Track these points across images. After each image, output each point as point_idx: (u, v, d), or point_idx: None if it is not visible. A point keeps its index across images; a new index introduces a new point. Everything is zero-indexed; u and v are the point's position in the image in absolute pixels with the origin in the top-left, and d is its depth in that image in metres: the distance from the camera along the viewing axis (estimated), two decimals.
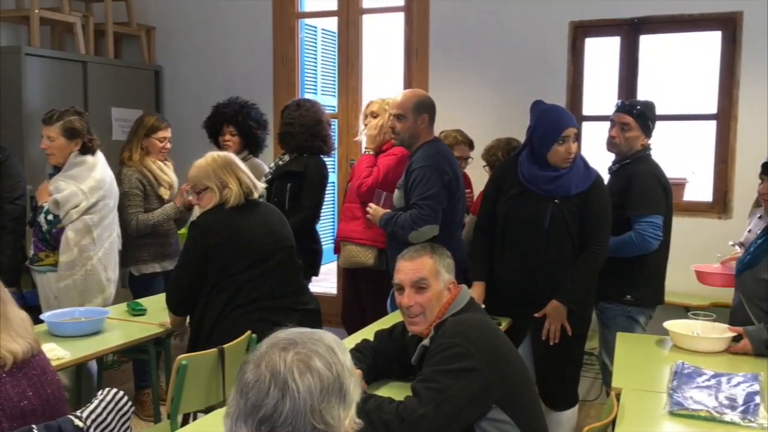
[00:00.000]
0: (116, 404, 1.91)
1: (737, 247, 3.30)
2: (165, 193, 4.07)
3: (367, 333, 2.75)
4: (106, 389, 1.94)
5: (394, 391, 2.26)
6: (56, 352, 2.67)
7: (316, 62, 7.63)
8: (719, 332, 2.81)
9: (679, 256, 3.64)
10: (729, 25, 4.13)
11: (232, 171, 3.01)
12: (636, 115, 3.36)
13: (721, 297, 3.67)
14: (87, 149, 3.62)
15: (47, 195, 3.57)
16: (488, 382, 2.03)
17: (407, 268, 2.28)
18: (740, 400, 2.17)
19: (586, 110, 4.51)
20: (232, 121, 4.30)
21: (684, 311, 3.63)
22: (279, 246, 3.08)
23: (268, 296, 3.00)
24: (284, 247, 3.10)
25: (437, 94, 4.33)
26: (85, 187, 3.55)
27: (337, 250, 4.11)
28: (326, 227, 6.92)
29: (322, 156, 4.08)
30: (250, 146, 4.39)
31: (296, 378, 1.14)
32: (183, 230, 4.20)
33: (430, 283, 2.24)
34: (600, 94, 4.57)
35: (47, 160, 3.68)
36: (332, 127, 4.30)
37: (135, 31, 5.42)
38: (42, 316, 3.07)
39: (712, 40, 4.26)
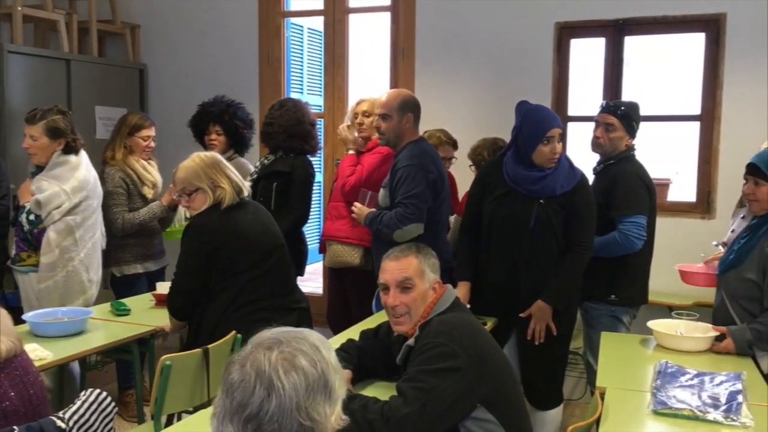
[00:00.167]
0: (99, 405, 1.90)
1: (720, 247, 3.33)
2: (148, 192, 4.04)
3: (353, 333, 2.75)
4: (89, 390, 1.92)
5: (380, 391, 2.26)
6: (38, 353, 2.64)
7: (302, 61, 7.62)
8: (702, 332, 2.83)
9: (663, 256, 3.67)
10: (712, 27, 4.16)
11: (221, 170, 2.99)
12: (620, 116, 3.38)
13: (705, 296, 3.70)
14: (70, 149, 3.58)
15: (29, 194, 3.53)
16: (473, 381, 2.03)
17: (392, 267, 2.27)
18: (723, 399, 2.19)
19: (572, 111, 4.53)
20: (218, 121, 4.29)
21: (668, 311, 3.66)
22: (275, 245, 3.08)
23: (268, 296, 3.00)
24: (279, 245, 3.11)
25: (423, 94, 4.34)
26: (67, 187, 3.51)
27: (322, 249, 4.10)
28: (312, 227, 6.91)
29: (308, 156, 4.07)
30: (236, 146, 4.38)
31: (281, 376, 1.15)
32: (171, 228, 4.17)
33: (415, 282, 2.24)
34: (585, 94, 4.60)
35: (29, 159, 3.64)
36: (318, 126, 4.28)
37: (119, 29, 5.38)
38: (24, 317, 3.04)
39: (696, 42, 4.29)
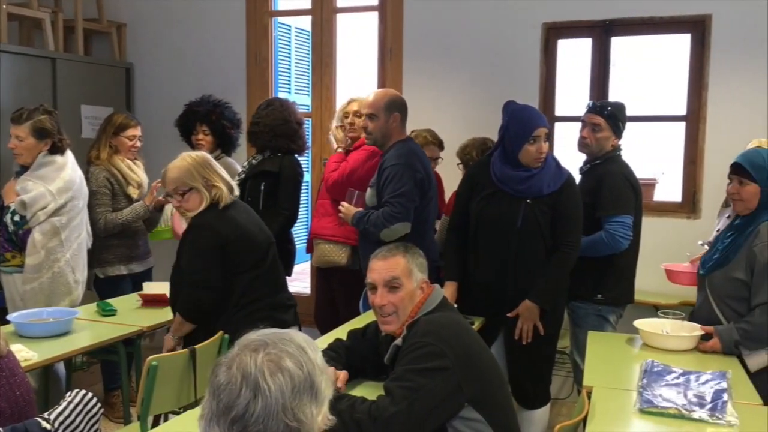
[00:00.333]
0: (85, 406, 1.89)
1: (706, 247, 3.35)
2: (134, 192, 4.02)
3: (341, 333, 2.75)
4: (75, 391, 1.91)
5: (367, 391, 2.26)
6: (23, 354, 2.62)
7: (290, 61, 7.60)
8: (688, 330, 2.85)
9: (649, 256, 3.69)
10: (698, 28, 4.19)
11: (214, 169, 2.99)
12: (606, 116, 3.39)
13: (690, 296, 3.71)
14: (56, 149, 3.55)
15: (14, 194, 3.50)
16: (461, 381, 2.03)
17: (380, 267, 2.27)
18: (708, 398, 2.21)
19: (559, 111, 4.54)
20: (206, 120, 4.28)
21: (654, 310, 3.68)
22: (269, 243, 3.10)
23: (268, 294, 3.02)
24: (272, 243, 3.13)
25: (411, 94, 4.34)
26: (53, 188, 3.48)
27: (309, 249, 4.10)
28: (300, 227, 6.89)
29: (296, 155, 4.06)
30: (223, 145, 4.37)
31: (267, 378, 1.16)
32: (158, 228, 4.15)
33: (402, 282, 2.24)
34: (572, 94, 4.61)
35: (14, 159, 3.61)
36: (306, 126, 4.27)
37: (105, 28, 5.35)
38: (9, 317, 3.03)
39: (681, 43, 4.32)
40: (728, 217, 3.24)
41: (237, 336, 1.27)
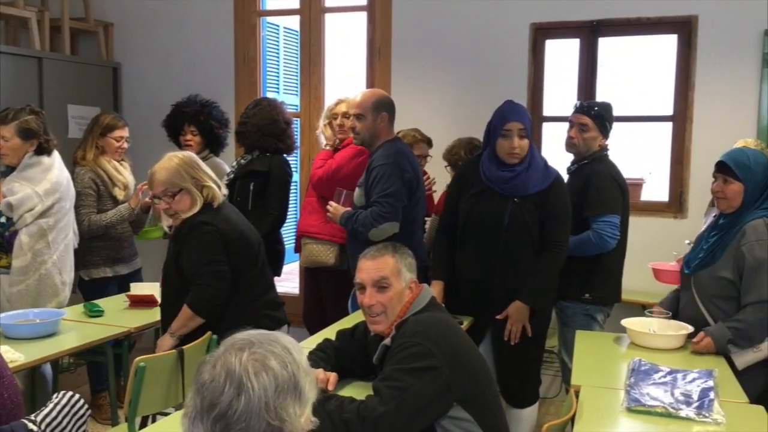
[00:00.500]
0: (72, 407, 1.87)
1: None
2: (120, 193, 3.99)
3: (329, 333, 2.74)
4: (61, 392, 1.90)
5: (356, 391, 2.26)
6: (9, 355, 2.60)
7: (278, 61, 7.58)
8: (675, 329, 2.86)
9: (636, 255, 3.71)
10: (685, 29, 4.21)
11: (202, 169, 2.97)
12: (594, 116, 3.41)
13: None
14: (43, 149, 3.52)
15: (0, 196, 3.47)
16: (449, 380, 2.04)
17: (369, 267, 2.27)
18: (695, 396, 2.22)
19: (547, 111, 4.56)
20: (194, 121, 4.26)
21: (641, 309, 3.70)
22: (260, 243, 3.10)
23: (263, 293, 3.04)
24: (262, 243, 3.13)
25: (399, 94, 4.35)
26: (40, 189, 3.45)
27: (298, 248, 4.09)
28: (288, 227, 6.87)
29: (284, 155, 4.06)
30: (212, 146, 4.35)
31: (251, 377, 1.17)
32: (147, 228, 4.12)
33: (391, 282, 2.24)
34: (560, 95, 4.63)
35: (0, 159, 3.58)
36: (294, 126, 4.27)
37: (92, 27, 5.32)
38: None
39: (668, 43, 4.34)
40: (715, 216, 3.26)
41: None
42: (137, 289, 3.65)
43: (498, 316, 3.17)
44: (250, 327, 1.29)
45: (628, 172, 3.63)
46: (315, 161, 4.04)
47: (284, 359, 1.20)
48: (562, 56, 4.58)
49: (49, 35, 4.99)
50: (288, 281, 6.22)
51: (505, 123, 3.13)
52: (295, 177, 5.19)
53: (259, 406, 1.15)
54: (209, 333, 2.87)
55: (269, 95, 5.57)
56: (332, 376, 2.27)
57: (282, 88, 7.60)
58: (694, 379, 2.35)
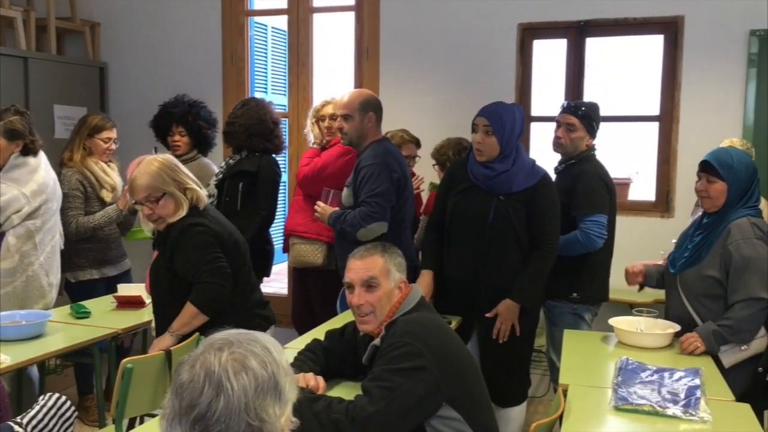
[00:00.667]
0: (58, 409, 1.86)
1: None
2: (107, 195, 3.96)
3: (318, 333, 2.74)
4: (48, 394, 1.89)
5: (345, 391, 2.26)
6: None
7: (266, 61, 7.56)
8: (662, 328, 2.88)
9: (624, 254, 3.72)
10: (671, 29, 4.24)
11: (183, 171, 2.95)
12: (581, 116, 3.42)
13: (664, 294, 3.76)
14: (29, 150, 3.50)
15: None
16: (439, 380, 2.04)
17: (358, 266, 2.27)
18: (682, 395, 2.23)
19: (534, 111, 4.58)
20: (182, 122, 4.24)
21: (628, 308, 3.72)
22: (245, 243, 3.09)
23: (251, 294, 3.05)
24: (246, 243, 3.12)
25: (388, 94, 4.36)
26: (27, 190, 3.43)
27: (286, 248, 4.09)
28: (277, 227, 6.86)
29: (273, 155, 4.05)
30: (200, 146, 4.34)
31: (231, 377, 1.15)
32: (136, 228, 4.09)
33: (380, 282, 2.24)
34: (547, 95, 4.65)
35: None
36: (282, 126, 4.26)
37: (79, 27, 5.29)
38: None
39: (655, 44, 4.37)
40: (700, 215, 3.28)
41: None
42: (124, 290, 3.63)
43: (488, 314, 3.18)
44: (241, 326, 1.28)
45: (615, 171, 3.64)
46: (302, 159, 4.05)
47: (264, 359, 1.19)
48: (549, 56, 4.59)
49: (35, 35, 4.95)
50: (276, 281, 6.21)
51: (475, 117, 3.19)
52: (284, 177, 5.18)
53: (239, 406, 1.14)
54: (197, 334, 2.86)
55: (257, 95, 5.56)
56: (321, 382, 2.25)
57: (270, 88, 7.58)
58: (680, 378, 2.36)
